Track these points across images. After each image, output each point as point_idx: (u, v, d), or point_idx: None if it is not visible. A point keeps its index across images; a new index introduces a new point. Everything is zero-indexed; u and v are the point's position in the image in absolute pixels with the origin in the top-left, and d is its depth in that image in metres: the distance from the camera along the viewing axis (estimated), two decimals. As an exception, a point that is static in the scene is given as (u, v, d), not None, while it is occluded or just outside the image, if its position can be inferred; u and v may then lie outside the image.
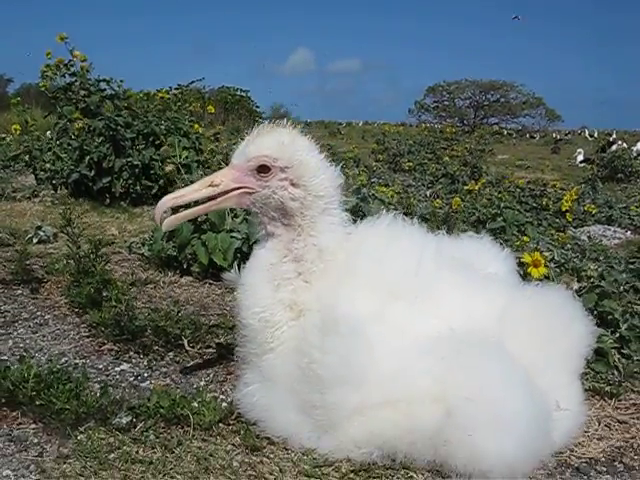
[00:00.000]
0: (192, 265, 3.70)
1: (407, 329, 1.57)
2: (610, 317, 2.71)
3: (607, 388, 2.10)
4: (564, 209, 6.70)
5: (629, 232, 6.54)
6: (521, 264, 2.87)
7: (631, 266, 4.10)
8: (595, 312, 2.76)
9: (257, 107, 33.25)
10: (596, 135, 35.81)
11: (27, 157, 8.17)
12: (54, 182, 6.82)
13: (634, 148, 18.62)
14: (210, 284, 3.52)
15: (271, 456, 1.62)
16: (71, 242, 3.03)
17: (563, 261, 3.91)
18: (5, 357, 2.31)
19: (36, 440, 1.69)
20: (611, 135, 32.05)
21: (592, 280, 2.90)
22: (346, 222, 1.78)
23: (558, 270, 3.25)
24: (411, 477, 1.55)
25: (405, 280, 1.64)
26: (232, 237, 3.56)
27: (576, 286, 2.84)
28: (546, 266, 2.87)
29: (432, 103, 40.32)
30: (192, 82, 17.74)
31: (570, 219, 6.59)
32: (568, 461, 1.70)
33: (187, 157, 5.56)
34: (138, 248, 4.17)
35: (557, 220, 6.53)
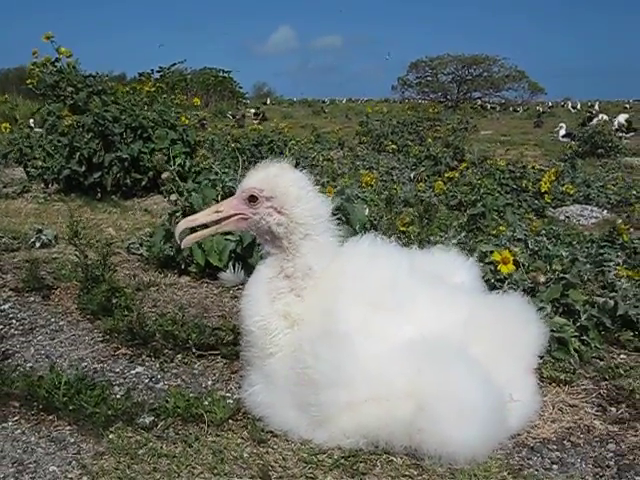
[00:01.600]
0: (190, 265, 3.96)
1: (386, 337, 1.86)
2: (573, 307, 3.01)
3: (562, 376, 2.40)
4: (543, 190, 6.98)
5: (606, 211, 6.81)
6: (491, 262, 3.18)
7: (601, 250, 4.41)
8: (561, 302, 3.06)
9: (240, 87, 33.11)
10: (579, 107, 36.07)
11: (17, 154, 8.32)
12: (45, 178, 7.01)
13: (615, 120, 18.87)
14: (207, 284, 3.78)
15: (275, 447, 1.92)
16: (79, 252, 3.28)
17: (537, 249, 4.23)
18: (30, 364, 2.58)
19: (73, 440, 1.97)
20: (593, 107, 32.30)
21: (557, 273, 3.19)
22: (333, 245, 2.04)
23: (528, 262, 3.54)
24: (391, 460, 1.86)
25: (384, 294, 1.92)
26: (226, 239, 3.82)
27: (543, 279, 3.13)
28: (515, 263, 3.14)
29: (415, 79, 40.42)
30: (174, 64, 17.63)
31: (549, 200, 6.88)
32: (524, 441, 2.01)
33: (182, 163, 5.78)
34: (137, 249, 4.42)
35: (536, 201, 6.81)
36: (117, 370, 2.52)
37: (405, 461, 1.85)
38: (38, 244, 4.49)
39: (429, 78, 39.86)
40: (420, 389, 1.78)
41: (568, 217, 6.69)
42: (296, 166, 2.22)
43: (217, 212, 2.07)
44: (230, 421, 2.04)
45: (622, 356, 2.75)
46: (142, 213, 6.20)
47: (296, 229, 1.97)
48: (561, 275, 3.20)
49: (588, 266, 3.56)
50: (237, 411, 2.08)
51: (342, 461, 1.85)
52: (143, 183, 6.83)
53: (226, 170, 5.75)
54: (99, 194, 6.66)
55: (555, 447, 1.99)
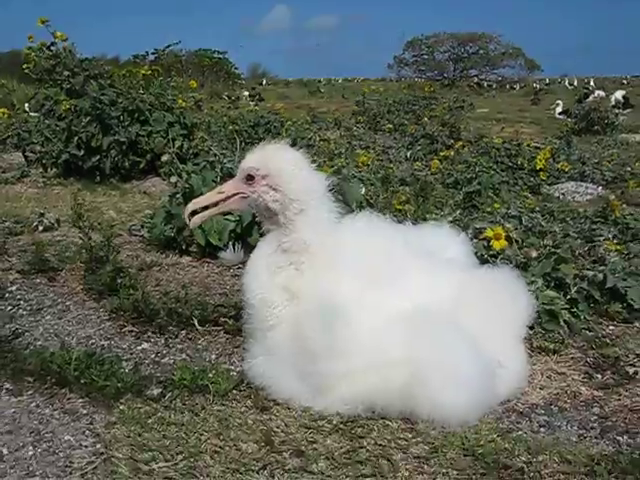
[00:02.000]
0: (190, 246, 4.04)
1: (381, 309, 1.95)
2: (564, 281, 3.10)
3: (551, 346, 2.51)
4: (538, 168, 7.05)
5: (600, 188, 6.87)
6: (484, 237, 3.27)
7: (594, 226, 4.50)
8: (552, 276, 3.15)
9: (236, 68, 32.94)
10: (576, 83, 35.93)
11: (15, 139, 8.36)
12: (44, 162, 7.05)
13: (613, 97, 18.83)
14: (208, 263, 3.87)
15: (277, 414, 2.03)
16: (83, 234, 3.37)
17: (531, 225, 4.32)
18: (40, 342, 2.67)
19: (85, 412, 2.07)
20: (589, 83, 32.13)
21: (549, 248, 3.28)
22: (329, 220, 2.12)
23: (522, 238, 3.62)
24: (387, 425, 1.97)
25: (379, 268, 2.02)
26: (226, 219, 3.90)
27: (535, 254, 3.22)
28: (508, 239, 3.22)
29: (411, 57, 40.16)
30: (168, 46, 17.46)
31: (544, 177, 6.95)
32: (514, 407, 2.12)
33: (180, 145, 5.85)
34: (138, 230, 4.51)
35: (532, 179, 6.87)
36: (124, 346, 2.62)
37: (400, 425, 1.96)
38: (41, 227, 4.57)
39: (425, 56, 39.58)
40: (413, 357, 1.88)
41: (563, 194, 6.77)
42: (293, 146, 2.30)
43: (220, 193, 2.17)
44: (234, 391, 2.14)
45: (611, 327, 2.86)
46: (141, 196, 6.27)
47: (291, 205, 2.06)
48: (553, 250, 3.30)
49: (579, 241, 3.65)
50: (240, 382, 2.19)
51: (341, 426, 1.95)
52: (141, 166, 6.90)
53: (223, 152, 5.86)
54: (98, 177, 6.72)
55: (543, 412, 2.10)
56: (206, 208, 2.21)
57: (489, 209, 5.35)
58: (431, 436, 1.91)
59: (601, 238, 3.74)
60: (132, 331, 2.75)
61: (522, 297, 2.21)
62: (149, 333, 2.72)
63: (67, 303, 3.14)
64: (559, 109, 16.79)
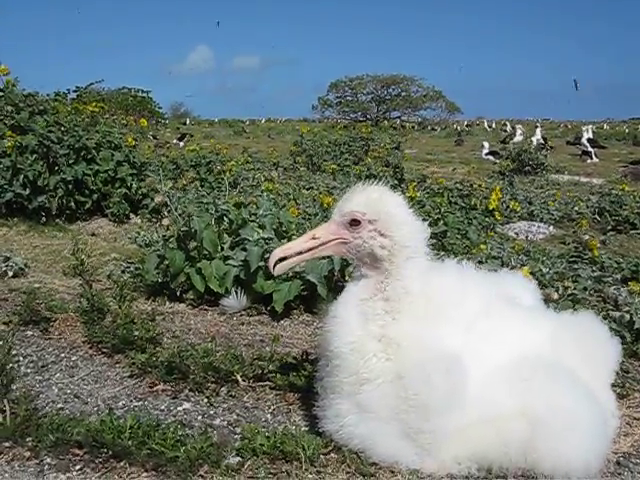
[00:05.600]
0: (186, 292, 3.79)
1: (489, 358, 1.84)
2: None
3: (618, 390, 2.46)
4: (491, 208, 7.22)
5: (551, 227, 7.12)
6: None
7: (575, 266, 4.59)
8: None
9: (160, 108, 32.56)
10: (494, 125, 37.92)
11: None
12: (-16, 202, 6.56)
13: (534, 138, 19.85)
14: (207, 310, 3.64)
15: (382, 479, 1.84)
16: (85, 283, 3.08)
17: (515, 265, 4.35)
18: (60, 405, 2.37)
19: (155, 488, 1.81)
20: (505, 125, 33.89)
21: (569, 289, 3.29)
22: (428, 267, 1.98)
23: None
24: (506, 485, 1.82)
25: (480, 317, 1.91)
26: (227, 264, 3.69)
27: (556, 296, 3.22)
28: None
29: (335, 99, 41.16)
30: (91, 84, 17.08)
31: (499, 218, 7.12)
32: (608, 457, 2.03)
33: (131, 185, 5.71)
34: (119, 276, 4.19)
35: (486, 219, 7.02)
36: (162, 408, 2.35)
37: (518, 483, 1.83)
38: (11, 273, 4.18)
39: (349, 98, 40.67)
40: (532, 407, 1.78)
41: (517, 233, 6.97)
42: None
43: (314, 239, 1.98)
44: (321, 456, 1.93)
45: (642, 367, 2.86)
46: (91, 238, 5.93)
47: (400, 252, 1.91)
48: (572, 292, 3.31)
49: (589, 282, 3.70)
50: (325, 445, 1.97)
51: (456, 489, 1.80)
52: (87, 206, 6.61)
53: (173, 191, 5.65)
54: (43, 218, 6.34)
55: (639, 460, 2.03)
56: (297, 253, 2.01)
57: (471, 250, 5.39)
58: (555, 493, 1.79)
59: (609, 279, 3.81)
60: (165, 390, 2.47)
61: (610, 342, 2.15)
62: (186, 391, 2.45)
63: (73, 358, 2.82)
64: (485, 150, 17.48)
